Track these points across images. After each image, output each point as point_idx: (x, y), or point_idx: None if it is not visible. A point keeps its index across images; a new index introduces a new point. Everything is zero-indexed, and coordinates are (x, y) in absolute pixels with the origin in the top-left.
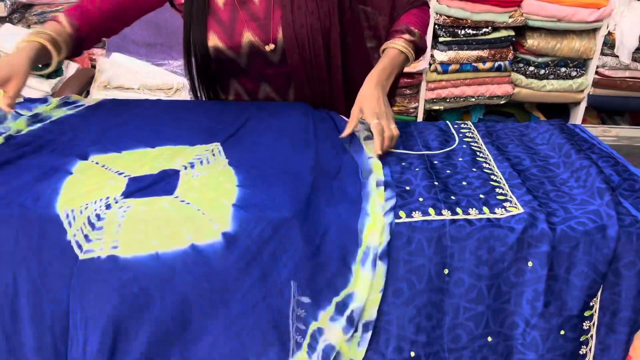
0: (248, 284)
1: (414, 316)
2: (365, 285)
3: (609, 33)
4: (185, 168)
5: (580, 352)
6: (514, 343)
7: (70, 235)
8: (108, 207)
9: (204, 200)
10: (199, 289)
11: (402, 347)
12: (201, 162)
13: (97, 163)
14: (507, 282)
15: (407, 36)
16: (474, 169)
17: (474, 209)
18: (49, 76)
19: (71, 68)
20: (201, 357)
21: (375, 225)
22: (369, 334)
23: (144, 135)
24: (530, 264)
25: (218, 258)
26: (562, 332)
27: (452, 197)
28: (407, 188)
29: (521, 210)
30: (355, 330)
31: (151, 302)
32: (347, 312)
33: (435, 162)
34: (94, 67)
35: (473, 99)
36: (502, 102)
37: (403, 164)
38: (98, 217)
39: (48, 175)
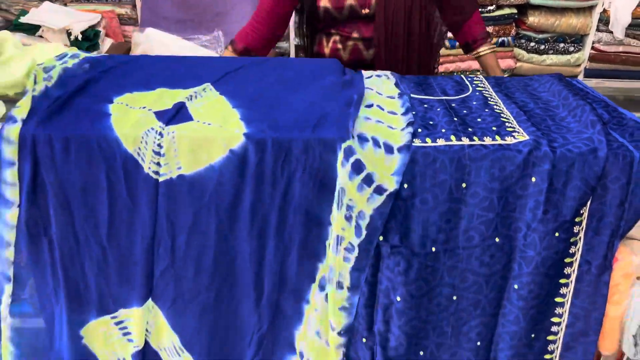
0: (279, 175)
1: (436, 220)
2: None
3: (604, 10)
4: (187, 100)
5: (570, 251)
6: (517, 243)
7: (146, 169)
8: (161, 135)
9: (217, 119)
10: (245, 185)
11: (425, 244)
12: (196, 97)
13: (121, 103)
14: (514, 195)
15: (489, 41)
16: (486, 110)
17: (488, 137)
18: (86, 50)
19: (107, 43)
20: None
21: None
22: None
23: (143, 81)
24: (533, 179)
25: (250, 155)
26: (557, 234)
27: (470, 129)
28: (431, 122)
29: (527, 137)
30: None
31: (215, 203)
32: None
33: (453, 105)
34: (127, 41)
35: (479, 73)
36: (505, 76)
37: (425, 106)
38: (159, 146)
39: (98, 117)
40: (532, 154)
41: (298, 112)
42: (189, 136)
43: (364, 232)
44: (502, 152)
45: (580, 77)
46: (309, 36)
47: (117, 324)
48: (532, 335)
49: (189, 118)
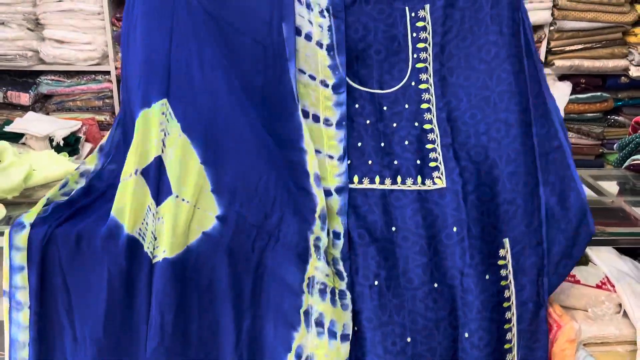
0: (250, 250)
1: (374, 255)
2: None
3: None
4: (161, 152)
5: (505, 296)
6: (455, 290)
7: (146, 248)
8: (158, 219)
9: (194, 193)
10: (219, 261)
11: (368, 276)
12: (165, 135)
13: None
14: (441, 243)
15: None
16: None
17: (410, 178)
18: (69, 155)
19: (86, 147)
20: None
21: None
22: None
23: None
24: (455, 229)
25: (223, 235)
26: (487, 277)
27: (395, 162)
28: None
29: (444, 185)
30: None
31: (194, 281)
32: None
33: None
34: None
35: None
36: None
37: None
38: (154, 230)
39: (103, 214)
40: (448, 206)
41: (269, 188)
42: (171, 221)
43: (344, 274)
44: (420, 201)
45: None
46: None
47: None
48: None
49: (168, 189)
